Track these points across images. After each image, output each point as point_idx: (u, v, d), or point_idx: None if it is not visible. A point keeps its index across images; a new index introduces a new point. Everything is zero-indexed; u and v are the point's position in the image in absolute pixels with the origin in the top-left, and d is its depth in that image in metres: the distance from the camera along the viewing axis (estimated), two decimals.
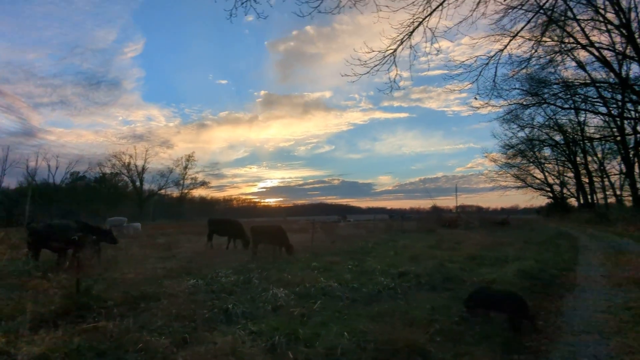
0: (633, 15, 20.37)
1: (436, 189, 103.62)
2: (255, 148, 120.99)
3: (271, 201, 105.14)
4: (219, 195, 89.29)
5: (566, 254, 13.17)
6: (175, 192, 61.51)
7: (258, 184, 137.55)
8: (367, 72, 8.37)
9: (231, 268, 9.08)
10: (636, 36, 19.80)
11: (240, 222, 16.57)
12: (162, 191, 59.88)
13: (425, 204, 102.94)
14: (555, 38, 20.76)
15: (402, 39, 8.24)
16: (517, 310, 5.16)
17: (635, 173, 28.71)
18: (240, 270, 8.78)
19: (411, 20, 7.99)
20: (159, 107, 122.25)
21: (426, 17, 7.82)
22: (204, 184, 62.21)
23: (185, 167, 59.52)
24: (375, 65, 8.42)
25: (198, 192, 65.99)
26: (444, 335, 4.70)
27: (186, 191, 61.15)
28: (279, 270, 8.90)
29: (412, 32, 8.07)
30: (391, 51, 8.28)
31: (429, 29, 8.20)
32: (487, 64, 10.56)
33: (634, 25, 19.99)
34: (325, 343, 3.96)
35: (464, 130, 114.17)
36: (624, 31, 19.97)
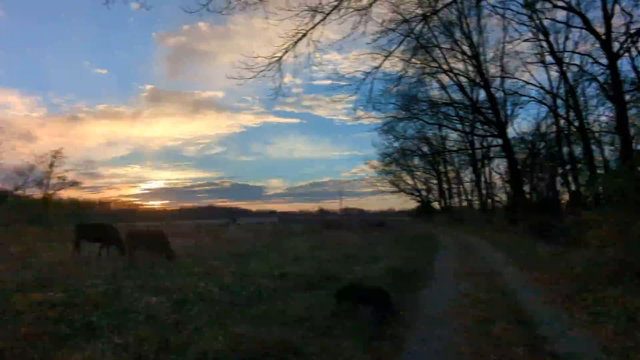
0: (481, 49, 24.59)
1: (324, 193, 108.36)
2: (138, 146, 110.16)
3: (155, 204, 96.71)
4: (94, 197, 78.61)
5: (427, 251, 15.11)
6: (37, 193, 52.43)
7: (140, 185, 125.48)
8: (253, 77, 8.51)
9: (101, 277, 8.24)
10: (483, 67, 23.93)
11: (115, 226, 15.07)
12: (20, 192, 50.44)
13: (313, 207, 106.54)
14: (424, 61, 23.85)
15: (288, 47, 8.58)
16: (381, 303, 5.81)
17: (481, 181, 34.66)
18: (111, 280, 8.02)
19: (296, 31, 8.37)
20: (18, 93, 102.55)
21: (310, 29, 8.28)
22: (74, 184, 53.93)
23: (51, 165, 50.94)
24: (262, 71, 8.62)
25: (67, 194, 57.18)
26: (316, 331, 5.02)
27: (52, 192, 52.54)
28: (157, 277, 8.39)
29: (296, 42, 8.45)
30: (276, 59, 8.56)
31: (313, 41, 8.70)
32: (365, 79, 11.64)
33: (482, 57, 24.12)
34: (198, 349, 3.93)
35: (349, 138, 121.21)
36: (474, 62, 23.92)
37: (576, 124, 20.93)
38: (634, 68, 17.47)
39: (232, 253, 13.55)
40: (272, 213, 79.31)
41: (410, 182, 49.54)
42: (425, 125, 33.09)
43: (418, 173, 47.63)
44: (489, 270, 10.42)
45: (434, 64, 24.65)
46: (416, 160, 43.75)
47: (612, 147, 20.89)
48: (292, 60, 9.00)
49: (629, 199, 7.65)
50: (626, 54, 17.02)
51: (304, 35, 8.43)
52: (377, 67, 11.73)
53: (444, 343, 5.00)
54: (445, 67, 24.93)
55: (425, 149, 39.31)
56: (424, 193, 51.05)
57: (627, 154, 14.11)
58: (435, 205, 49.45)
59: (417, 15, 11.42)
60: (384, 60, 11.87)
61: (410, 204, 55.60)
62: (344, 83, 13.79)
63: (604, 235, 7.55)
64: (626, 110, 15.76)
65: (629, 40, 16.29)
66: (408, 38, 13.59)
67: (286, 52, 8.60)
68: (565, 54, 21.10)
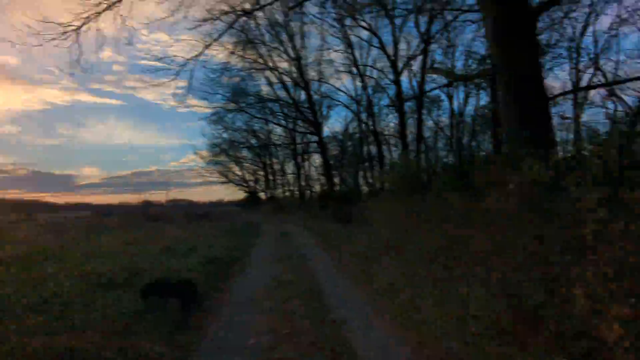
0: (303, 53, 26.78)
1: (150, 183, 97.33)
2: None
3: None
4: None
5: (248, 239, 15.81)
6: None
7: None
8: (40, 45, 7.30)
9: None
10: (304, 70, 26.22)
11: None
12: None
13: (136, 198, 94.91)
14: (252, 56, 24.53)
15: (89, 17, 7.60)
16: (187, 294, 5.96)
17: (301, 174, 38.10)
18: None
19: (98, 2, 7.51)
20: None
21: (115, 2, 7.53)
22: None
23: None
24: (53, 39, 7.43)
25: None
26: (114, 332, 4.80)
27: None
28: None
29: (99, 14, 7.57)
30: (74, 27, 7.50)
31: (121, 15, 7.94)
32: (184, 65, 11.34)
33: (303, 61, 26.33)
34: None
35: (179, 126, 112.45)
36: (297, 64, 25.90)
37: (372, 128, 25.18)
38: (411, 85, 22.34)
39: (21, 255, 11.31)
40: (85, 206, 67.96)
41: (238, 173, 50.16)
42: (253, 119, 34.03)
43: (246, 164, 48.65)
44: (299, 253, 11.68)
45: (261, 60, 25.61)
46: (244, 152, 44.59)
47: (396, 149, 26.05)
48: (95, 33, 8.00)
49: (397, 190, 9.83)
50: (406, 73, 21.61)
51: (109, 7, 7.61)
52: (197, 55, 11.58)
53: (245, 325, 5.50)
54: (271, 64, 26.23)
55: (253, 141, 40.43)
56: (251, 184, 52.41)
57: (403, 154, 17.87)
58: (262, 195, 51.49)
59: (242, 9, 11.72)
60: (205, 48, 11.81)
61: (239, 194, 56.29)
62: (162, 65, 12.95)
63: (378, 219, 9.49)
64: (405, 119, 19.97)
65: (408, 62, 20.63)
66: (234, 30, 13.82)
67: (86, 22, 7.60)
68: (367, 68, 25.11)
